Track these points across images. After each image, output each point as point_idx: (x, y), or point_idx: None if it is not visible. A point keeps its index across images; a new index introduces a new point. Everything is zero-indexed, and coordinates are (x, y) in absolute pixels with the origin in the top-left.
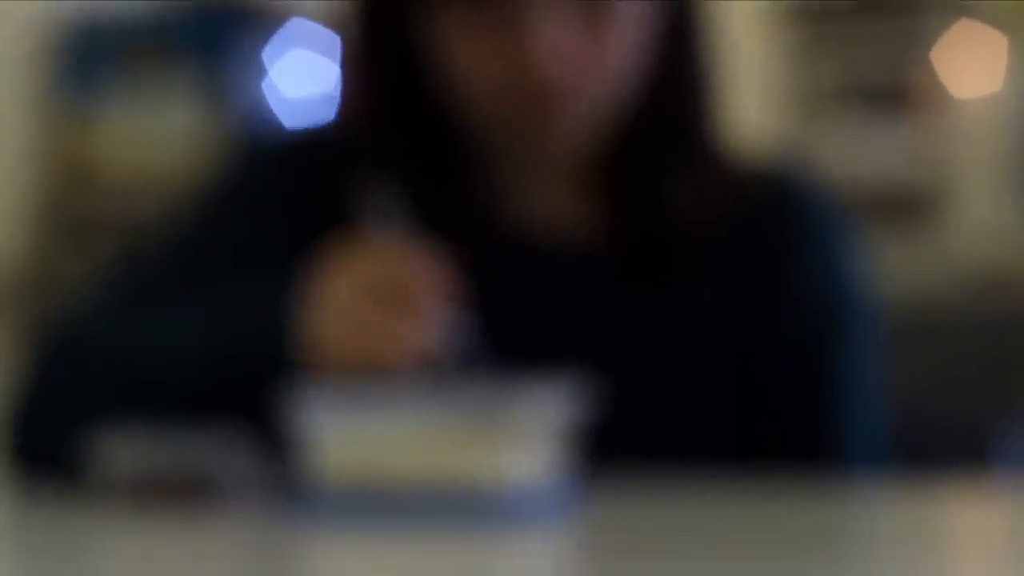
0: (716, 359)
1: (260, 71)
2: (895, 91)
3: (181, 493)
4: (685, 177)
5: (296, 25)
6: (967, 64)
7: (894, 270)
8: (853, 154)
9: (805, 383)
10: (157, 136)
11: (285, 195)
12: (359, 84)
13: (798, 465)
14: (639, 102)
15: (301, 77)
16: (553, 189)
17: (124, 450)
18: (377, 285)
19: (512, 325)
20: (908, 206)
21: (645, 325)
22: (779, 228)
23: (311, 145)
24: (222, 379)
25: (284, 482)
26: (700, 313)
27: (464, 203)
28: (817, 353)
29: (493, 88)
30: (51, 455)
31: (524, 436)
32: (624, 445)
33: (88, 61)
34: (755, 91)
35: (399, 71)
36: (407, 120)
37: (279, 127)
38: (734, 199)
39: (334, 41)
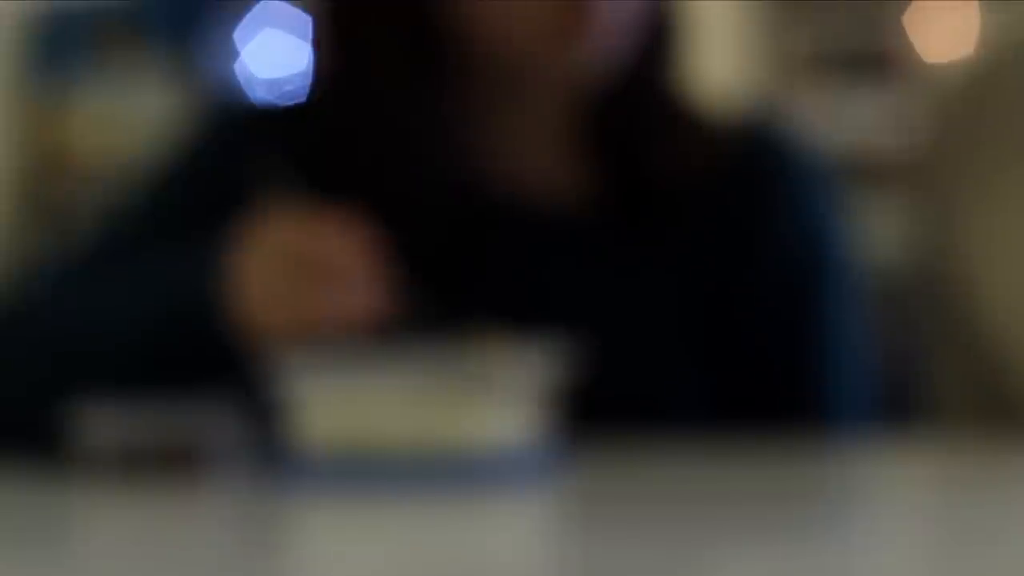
0: (700, 313)
1: (232, 53)
2: (869, 57)
3: (169, 463)
4: (665, 133)
5: (267, 6)
6: (939, 29)
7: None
8: (828, 120)
9: (788, 333)
10: (131, 120)
11: (238, 165)
12: (341, 46)
13: (781, 419)
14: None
15: (273, 58)
16: (537, 147)
17: (108, 421)
18: (294, 255)
19: (497, 284)
20: (883, 171)
21: (629, 282)
22: (759, 179)
23: (270, 117)
24: (158, 351)
25: (269, 449)
26: (684, 267)
27: (450, 164)
28: (800, 302)
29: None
30: (8, 430)
31: (509, 397)
32: (610, 403)
33: (61, 46)
34: (731, 57)
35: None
36: (396, 75)
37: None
38: (714, 153)
39: (305, 21)
